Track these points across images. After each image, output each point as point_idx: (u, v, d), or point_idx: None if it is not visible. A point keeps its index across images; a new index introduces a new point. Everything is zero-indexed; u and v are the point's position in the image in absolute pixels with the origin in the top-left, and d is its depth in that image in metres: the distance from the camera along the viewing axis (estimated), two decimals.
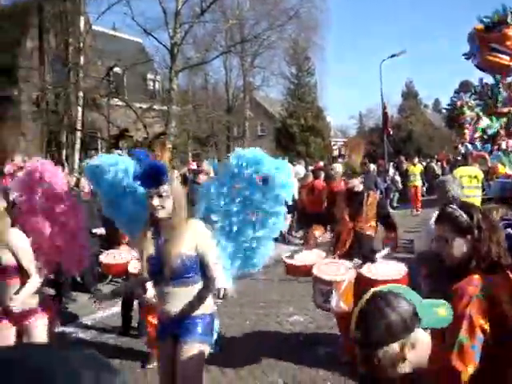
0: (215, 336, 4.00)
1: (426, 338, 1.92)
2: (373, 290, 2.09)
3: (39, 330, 4.34)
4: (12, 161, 8.68)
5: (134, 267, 5.66)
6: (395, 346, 1.85)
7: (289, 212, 14.20)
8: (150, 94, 30.96)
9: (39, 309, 4.37)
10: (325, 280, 5.26)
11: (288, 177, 4.10)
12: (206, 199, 4.21)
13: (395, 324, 1.84)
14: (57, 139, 22.95)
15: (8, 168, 8.28)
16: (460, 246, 2.55)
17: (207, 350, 3.82)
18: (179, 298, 3.70)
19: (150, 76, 32.52)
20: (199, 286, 3.75)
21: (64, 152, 22.36)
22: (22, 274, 4.30)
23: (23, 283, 4.28)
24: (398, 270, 5.35)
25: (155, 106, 25.76)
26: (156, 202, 3.58)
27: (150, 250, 3.72)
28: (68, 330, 7.48)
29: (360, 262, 5.58)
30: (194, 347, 3.69)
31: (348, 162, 6.17)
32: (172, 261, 3.60)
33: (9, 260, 4.23)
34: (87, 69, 23.33)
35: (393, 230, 5.99)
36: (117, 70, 25.34)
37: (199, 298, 3.75)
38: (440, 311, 1.93)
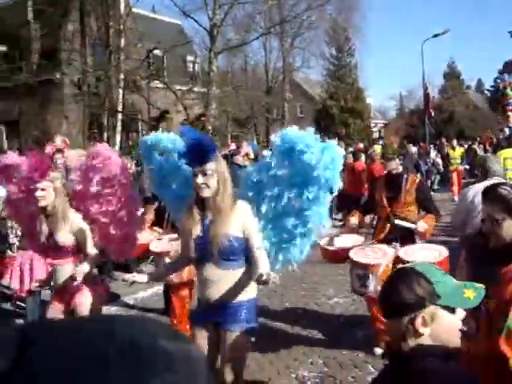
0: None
1: (447, 316, 1.90)
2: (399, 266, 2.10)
3: (87, 308, 4.43)
4: (52, 143, 8.77)
5: (155, 246, 5.72)
6: (406, 320, 1.86)
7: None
8: (190, 75, 31.04)
9: (88, 288, 4.46)
10: (362, 263, 5.19)
11: (336, 166, 3.80)
12: (249, 182, 4.03)
13: (407, 298, 1.86)
14: (98, 121, 23.22)
15: (48, 150, 8.38)
16: (510, 228, 2.50)
17: (250, 335, 3.73)
18: (223, 282, 3.58)
19: (189, 58, 32.59)
20: (243, 270, 3.63)
21: (105, 134, 22.62)
22: (78, 254, 4.39)
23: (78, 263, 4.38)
24: (438, 252, 5.20)
25: (195, 88, 25.83)
26: (200, 180, 3.47)
27: (197, 230, 3.60)
28: (111, 309, 7.62)
29: (398, 245, 5.47)
30: (240, 335, 3.61)
31: (386, 145, 6.08)
32: (219, 242, 3.49)
33: (67, 240, 4.31)
34: (128, 51, 23.50)
35: (434, 215, 5.73)
36: (157, 52, 25.44)
37: (243, 284, 3.64)
38: (468, 293, 1.91)
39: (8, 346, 0.60)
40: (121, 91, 23.20)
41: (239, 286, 3.63)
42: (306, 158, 3.70)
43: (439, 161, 21.90)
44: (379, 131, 36.24)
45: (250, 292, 3.71)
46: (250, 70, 39.20)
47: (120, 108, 23.29)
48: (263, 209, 3.91)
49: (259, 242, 3.62)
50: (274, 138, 3.99)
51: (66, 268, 4.35)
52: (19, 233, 7.43)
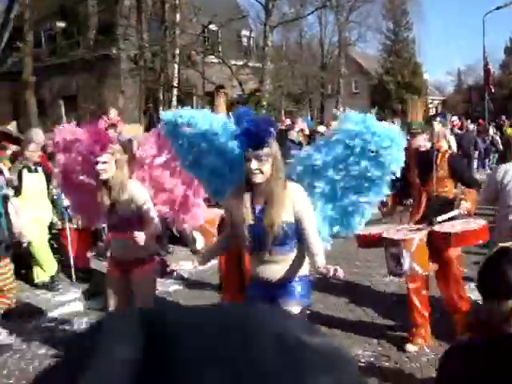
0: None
1: None
2: (501, 245, 2.07)
3: (146, 280, 4.50)
4: (107, 116, 8.86)
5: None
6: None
7: None
8: (245, 50, 30.95)
9: (146, 259, 4.53)
10: (393, 240, 4.88)
11: (400, 150, 3.64)
12: (307, 164, 3.79)
13: None
14: (154, 96, 23.45)
15: (101, 124, 8.48)
16: None
17: (305, 311, 3.74)
18: (276, 265, 3.60)
19: (244, 32, 32.47)
20: (296, 252, 3.61)
21: (161, 109, 22.84)
22: (140, 225, 4.45)
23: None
24: (476, 223, 4.93)
25: (250, 63, 25.75)
26: (254, 165, 3.33)
27: (248, 217, 3.51)
28: (165, 282, 7.75)
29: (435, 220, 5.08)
30: (294, 308, 3.55)
31: (411, 119, 5.66)
32: (274, 230, 3.43)
33: (128, 210, 4.38)
34: (183, 26, 23.57)
35: (474, 188, 5.33)
36: (212, 27, 25.44)
37: (296, 264, 3.64)
38: None
39: (135, 334, 0.55)
40: (176, 66, 23.34)
41: (292, 267, 3.62)
42: (370, 146, 3.54)
43: (498, 139, 21.30)
44: (436, 107, 35.41)
45: (303, 270, 3.70)
46: (305, 45, 38.80)
47: (175, 83, 23.44)
48: (320, 189, 3.74)
49: (313, 226, 3.53)
50: (336, 120, 3.86)
51: (129, 241, 4.41)
52: None
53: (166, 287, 7.60)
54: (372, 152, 3.55)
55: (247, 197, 3.52)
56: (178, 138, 4.04)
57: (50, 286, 7.51)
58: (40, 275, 7.50)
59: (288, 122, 15.31)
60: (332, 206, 3.83)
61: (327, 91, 37.93)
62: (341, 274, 3.26)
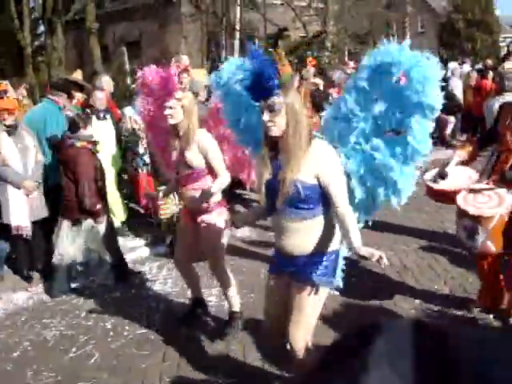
0: (339, 274, 3.44)
1: None
2: None
3: (217, 228, 4.52)
4: (177, 62, 8.84)
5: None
6: None
7: (452, 113, 13.62)
8: None
9: (216, 209, 4.54)
10: (470, 214, 4.32)
11: (428, 78, 3.11)
12: (335, 115, 3.42)
13: None
14: (216, 40, 23.25)
15: (173, 69, 8.45)
16: None
17: (325, 291, 3.33)
18: (296, 232, 3.21)
19: None
20: (320, 220, 3.20)
21: (223, 53, 22.67)
22: (209, 175, 4.45)
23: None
24: None
25: (313, 4, 25.05)
26: (266, 117, 3.03)
27: (266, 173, 3.22)
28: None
29: None
30: (314, 289, 3.24)
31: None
32: (284, 189, 3.08)
33: (196, 159, 4.37)
34: None
35: None
36: None
37: (322, 235, 3.22)
38: None
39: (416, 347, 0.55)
40: (238, 9, 23.00)
41: (316, 238, 3.22)
42: (390, 80, 3.15)
43: None
44: (508, 46, 33.74)
45: (333, 244, 3.29)
46: None
47: (237, 26, 23.15)
48: (350, 146, 3.36)
49: (343, 195, 3.12)
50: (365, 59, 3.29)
51: (197, 189, 4.42)
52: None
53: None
54: (394, 87, 3.19)
55: (265, 151, 3.22)
56: (228, 97, 3.70)
57: (120, 231, 7.68)
58: None
59: (352, 64, 14.90)
60: (365, 168, 3.36)
61: (393, 31, 36.69)
62: (385, 261, 2.88)
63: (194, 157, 4.35)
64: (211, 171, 4.42)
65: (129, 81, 19.19)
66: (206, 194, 4.25)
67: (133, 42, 27.42)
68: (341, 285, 3.45)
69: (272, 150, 3.20)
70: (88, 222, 5.93)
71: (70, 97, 7.59)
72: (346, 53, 27.73)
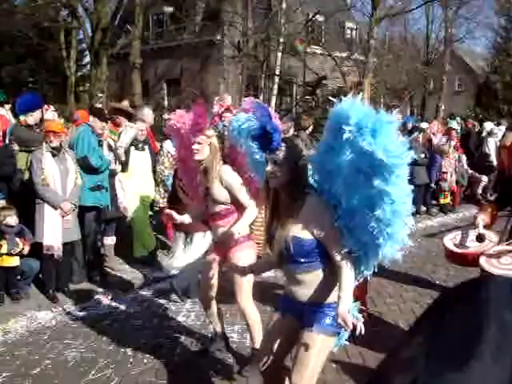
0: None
1: None
2: None
3: (244, 260, 4.54)
4: (220, 101, 9.01)
5: None
6: None
7: (484, 173, 13.55)
8: (348, 42, 30.62)
9: (244, 242, 4.58)
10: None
11: (383, 131, 2.72)
12: (319, 169, 3.23)
13: None
14: (255, 83, 23.64)
15: (216, 108, 8.61)
16: None
17: (332, 341, 3.26)
18: (301, 283, 3.23)
19: (348, 24, 32.11)
20: (325, 272, 3.18)
21: (261, 97, 23.01)
22: (239, 211, 4.52)
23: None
24: None
25: (352, 56, 25.44)
26: (269, 168, 3.11)
27: (272, 225, 3.26)
28: None
29: None
30: (319, 338, 3.17)
31: None
32: (277, 245, 3.17)
33: (221, 193, 4.46)
34: (288, 15, 23.58)
35: None
36: (316, 17, 25.31)
37: (327, 286, 3.20)
38: None
39: None
40: (279, 54, 23.43)
41: (323, 288, 3.20)
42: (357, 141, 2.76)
43: None
44: None
45: (335, 294, 3.17)
46: (409, 40, 37.86)
47: (277, 71, 23.52)
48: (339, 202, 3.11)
49: (337, 244, 3.05)
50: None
51: (226, 226, 4.49)
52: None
53: None
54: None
55: (267, 201, 3.32)
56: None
57: (148, 261, 7.75)
58: (139, 250, 7.75)
59: None
60: (354, 227, 3.09)
61: (429, 88, 36.89)
62: (361, 330, 2.83)
63: (218, 192, 4.44)
64: (238, 207, 4.50)
65: (166, 116, 19.54)
66: (232, 233, 4.33)
67: (173, 79, 28.00)
68: (346, 336, 3.31)
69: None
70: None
71: (115, 123, 7.79)
72: (382, 105, 27.90)
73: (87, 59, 28.97)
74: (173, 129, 4.83)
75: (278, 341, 3.41)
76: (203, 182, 4.57)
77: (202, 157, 4.44)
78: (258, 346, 4.73)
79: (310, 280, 3.19)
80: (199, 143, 4.42)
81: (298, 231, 3.10)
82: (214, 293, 4.86)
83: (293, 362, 3.28)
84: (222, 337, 5.08)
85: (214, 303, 4.93)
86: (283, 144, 3.13)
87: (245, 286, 4.63)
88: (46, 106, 7.92)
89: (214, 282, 4.78)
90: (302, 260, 3.15)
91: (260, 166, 3.44)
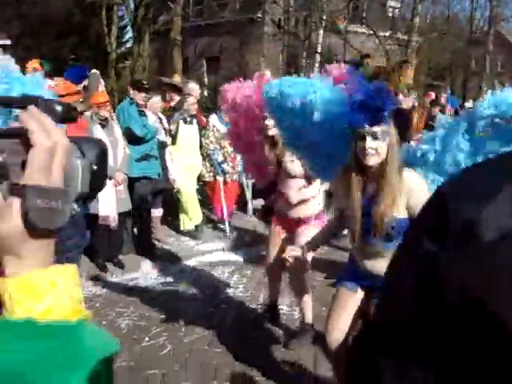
0: None
1: None
2: None
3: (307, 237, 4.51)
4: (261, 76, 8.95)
5: None
6: None
7: None
8: (389, 21, 30.14)
9: (311, 219, 4.56)
10: None
11: None
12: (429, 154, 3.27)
13: None
14: (296, 62, 23.46)
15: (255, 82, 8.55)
16: None
17: None
18: (380, 258, 3.13)
19: (390, 3, 31.57)
20: None
21: (302, 75, 22.82)
22: (307, 183, 4.51)
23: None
24: None
25: (395, 35, 25.05)
26: (370, 143, 2.88)
27: (357, 205, 3.08)
28: None
29: None
30: None
31: None
32: (383, 223, 2.97)
33: (296, 166, 4.39)
34: None
35: None
36: None
37: None
38: None
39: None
40: (321, 32, 23.20)
41: None
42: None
43: None
44: None
45: None
46: (452, 18, 37.06)
47: (319, 49, 23.31)
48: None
49: None
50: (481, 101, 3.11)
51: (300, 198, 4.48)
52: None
53: None
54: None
55: (357, 181, 3.05)
56: (281, 112, 3.46)
57: (194, 234, 7.81)
58: (186, 223, 7.81)
59: (433, 95, 14.76)
60: None
61: (471, 68, 36.12)
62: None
63: (292, 164, 4.40)
64: (308, 178, 4.46)
65: (206, 93, 19.54)
66: (303, 204, 4.32)
67: (213, 56, 27.97)
68: None
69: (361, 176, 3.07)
70: None
71: (168, 100, 7.86)
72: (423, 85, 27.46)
73: (127, 36, 29.19)
74: (230, 102, 4.74)
75: (351, 316, 3.32)
76: (273, 155, 4.52)
77: (274, 131, 4.31)
78: (308, 320, 4.73)
79: (390, 255, 3.03)
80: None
81: (399, 210, 2.96)
82: (279, 268, 4.86)
83: None
84: (274, 307, 5.11)
85: (281, 273, 4.97)
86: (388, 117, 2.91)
87: (303, 263, 4.57)
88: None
89: (280, 254, 4.65)
90: (397, 240, 2.92)
91: (341, 142, 3.16)
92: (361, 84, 2.99)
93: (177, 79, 10.02)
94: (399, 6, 31.27)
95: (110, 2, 22.80)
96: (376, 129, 2.87)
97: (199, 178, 8.13)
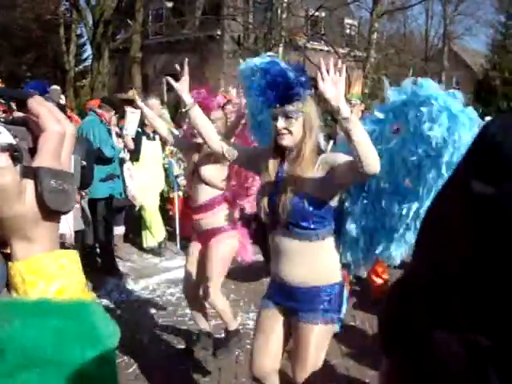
0: (344, 309, 3.00)
1: None
2: None
3: (223, 247, 4.36)
4: (225, 92, 8.98)
5: None
6: None
7: None
8: (347, 39, 30.61)
9: (229, 229, 4.43)
10: None
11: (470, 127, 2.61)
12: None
13: None
14: None
15: (219, 99, 8.56)
16: None
17: (333, 329, 2.98)
18: (297, 256, 2.84)
19: (347, 21, 32.06)
20: (326, 244, 2.85)
21: None
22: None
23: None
24: None
25: (352, 52, 25.45)
26: (281, 123, 2.73)
27: (270, 184, 2.90)
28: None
29: None
30: (317, 328, 2.84)
31: None
32: (288, 202, 2.74)
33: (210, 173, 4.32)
34: (289, 10, 23.54)
35: None
36: (316, 13, 25.27)
37: (324, 262, 2.88)
38: None
39: None
40: (281, 50, 23.40)
41: (320, 265, 2.87)
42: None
43: None
44: None
45: (337, 273, 2.92)
46: (408, 36, 37.90)
47: None
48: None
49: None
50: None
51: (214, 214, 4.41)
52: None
53: None
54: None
55: (272, 162, 2.90)
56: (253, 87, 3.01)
57: (157, 251, 7.74)
58: (149, 240, 7.73)
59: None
60: (370, 211, 2.91)
61: None
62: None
63: (207, 170, 4.36)
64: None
65: (166, 110, 19.48)
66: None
67: (173, 73, 27.91)
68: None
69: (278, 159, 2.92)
70: None
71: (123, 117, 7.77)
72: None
73: (86, 54, 29.01)
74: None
75: (276, 339, 3.05)
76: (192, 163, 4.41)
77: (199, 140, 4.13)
78: (231, 327, 4.44)
79: (309, 252, 2.83)
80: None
81: (311, 188, 2.75)
82: (198, 288, 4.55)
83: (292, 355, 2.98)
84: (206, 334, 4.68)
85: (198, 299, 4.62)
86: (300, 94, 2.71)
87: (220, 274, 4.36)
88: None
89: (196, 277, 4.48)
90: (310, 225, 2.78)
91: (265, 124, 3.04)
92: (271, 63, 2.81)
93: (130, 93, 9.93)
94: (356, 23, 31.80)
95: (68, 19, 22.64)
96: (289, 108, 2.72)
97: (162, 195, 8.08)
